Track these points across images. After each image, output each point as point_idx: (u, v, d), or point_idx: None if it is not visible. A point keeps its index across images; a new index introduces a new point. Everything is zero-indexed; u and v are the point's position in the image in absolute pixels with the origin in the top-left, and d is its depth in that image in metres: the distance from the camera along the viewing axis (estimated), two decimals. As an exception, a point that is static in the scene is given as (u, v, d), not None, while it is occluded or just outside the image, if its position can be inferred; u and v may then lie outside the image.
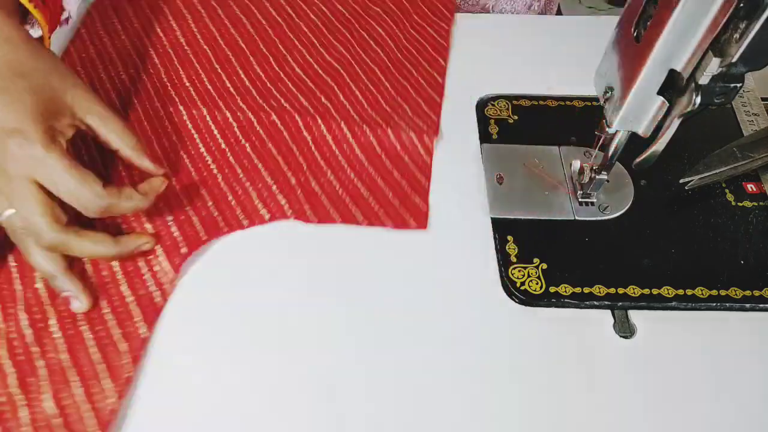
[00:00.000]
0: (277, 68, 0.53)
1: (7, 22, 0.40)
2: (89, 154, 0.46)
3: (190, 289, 0.41)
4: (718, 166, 0.46)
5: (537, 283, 0.41)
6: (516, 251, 0.43)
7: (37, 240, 0.37)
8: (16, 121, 0.37)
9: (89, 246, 0.39)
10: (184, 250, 0.42)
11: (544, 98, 0.53)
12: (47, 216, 0.37)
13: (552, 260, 0.43)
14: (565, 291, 0.41)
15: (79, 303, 0.39)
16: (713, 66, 0.32)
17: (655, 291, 0.41)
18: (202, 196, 0.45)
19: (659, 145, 0.38)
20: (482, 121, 0.51)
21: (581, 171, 0.46)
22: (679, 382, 0.38)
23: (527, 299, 0.41)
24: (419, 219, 0.44)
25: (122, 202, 0.39)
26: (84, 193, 0.37)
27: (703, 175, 0.46)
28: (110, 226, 0.43)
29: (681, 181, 0.46)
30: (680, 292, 0.41)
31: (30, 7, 0.42)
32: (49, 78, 0.40)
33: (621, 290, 0.41)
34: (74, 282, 0.39)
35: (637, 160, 0.39)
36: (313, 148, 0.48)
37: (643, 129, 0.37)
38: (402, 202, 0.45)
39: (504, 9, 0.65)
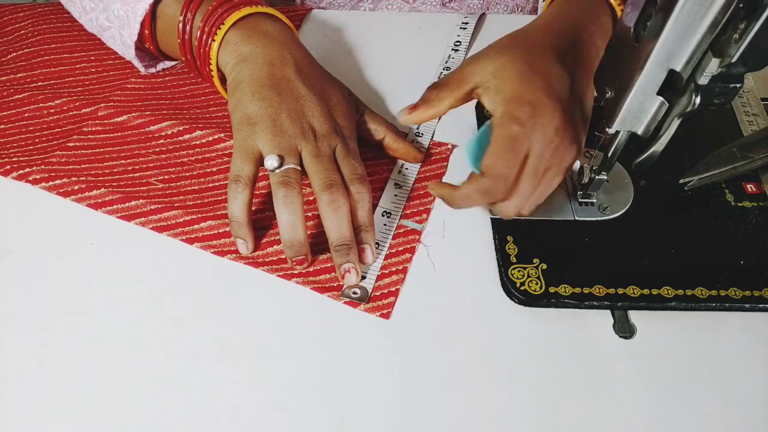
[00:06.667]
0: None
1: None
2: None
3: (186, 292, 0.41)
4: (717, 166, 0.46)
5: (537, 284, 0.41)
6: (516, 251, 0.43)
7: (325, 187, 0.41)
8: (343, 120, 0.46)
9: (345, 216, 0.42)
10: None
11: (544, 98, 0.53)
12: (336, 174, 0.43)
13: (552, 260, 0.43)
14: (565, 291, 0.41)
15: (356, 277, 0.41)
16: (713, 66, 0.32)
17: (654, 291, 0.41)
18: None
19: (659, 145, 0.38)
20: (482, 121, 0.51)
21: (581, 171, 0.46)
22: (679, 382, 0.38)
23: (527, 299, 0.41)
24: None
25: None
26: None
27: (702, 175, 0.46)
28: None
29: (681, 181, 0.46)
30: (680, 292, 0.41)
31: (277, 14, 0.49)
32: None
33: (621, 290, 0.41)
34: (355, 254, 0.42)
35: (637, 160, 0.39)
36: None
37: (643, 129, 0.37)
38: None
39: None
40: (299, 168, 0.41)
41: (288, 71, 0.45)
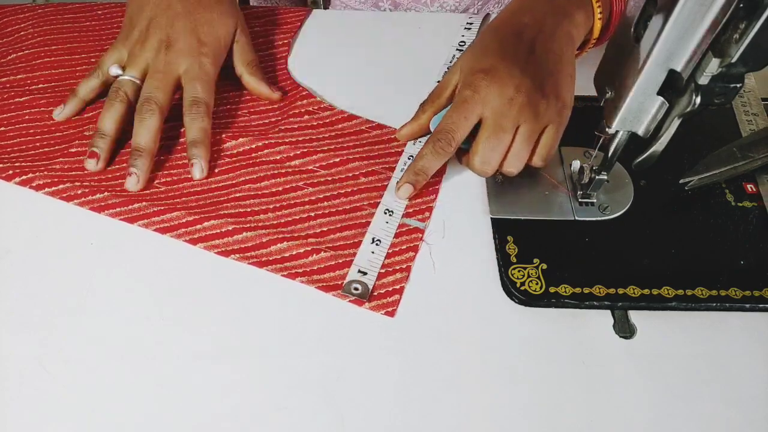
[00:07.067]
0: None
1: None
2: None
3: (186, 292, 0.41)
4: (717, 166, 0.46)
5: (537, 284, 0.41)
6: (516, 251, 0.43)
7: (140, 98, 0.47)
8: (212, 33, 0.50)
9: (150, 127, 0.46)
10: None
11: (544, 98, 0.53)
12: (167, 93, 0.48)
13: (552, 260, 0.43)
14: (565, 291, 0.41)
15: (133, 181, 0.45)
16: (713, 66, 0.32)
17: (655, 291, 0.41)
18: None
19: (659, 145, 0.38)
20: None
21: (581, 171, 0.46)
22: (679, 382, 0.38)
23: (527, 299, 0.41)
24: None
25: None
26: (200, 92, 0.48)
27: (702, 176, 0.46)
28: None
29: (681, 181, 0.46)
30: (680, 292, 0.41)
31: None
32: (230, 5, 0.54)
33: (621, 290, 0.41)
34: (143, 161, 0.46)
35: (637, 160, 0.39)
36: None
37: (643, 129, 0.37)
38: None
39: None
40: (137, 81, 0.48)
41: None
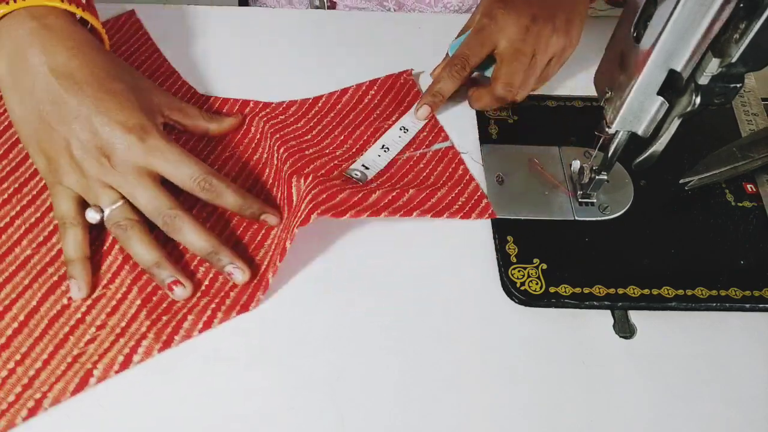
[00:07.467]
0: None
1: (79, 29, 0.43)
2: None
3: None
4: (717, 166, 0.46)
5: (537, 284, 0.41)
6: (516, 251, 0.43)
7: (157, 221, 0.40)
8: (135, 117, 0.41)
9: (198, 229, 0.40)
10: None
11: (544, 98, 0.53)
12: (166, 197, 0.40)
13: (552, 260, 0.43)
14: (565, 291, 0.41)
15: (240, 273, 0.40)
16: (713, 66, 0.32)
17: (655, 291, 0.41)
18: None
19: (659, 145, 0.38)
20: (482, 121, 0.51)
21: (581, 171, 0.46)
22: (679, 382, 0.38)
23: (527, 299, 0.41)
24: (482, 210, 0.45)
25: (220, 181, 0.42)
26: (196, 170, 0.41)
27: (702, 176, 0.46)
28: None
29: (681, 181, 0.46)
30: (680, 292, 0.41)
31: (79, 12, 0.44)
32: (135, 80, 0.45)
33: (621, 290, 0.41)
34: (227, 254, 0.40)
35: (637, 160, 0.40)
36: None
37: (643, 129, 0.37)
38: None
39: None
40: (122, 202, 0.41)
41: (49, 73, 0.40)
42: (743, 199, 0.47)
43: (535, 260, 0.43)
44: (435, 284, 0.42)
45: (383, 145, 0.48)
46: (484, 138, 0.50)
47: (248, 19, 0.59)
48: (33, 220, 0.43)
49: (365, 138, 0.49)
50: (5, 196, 0.44)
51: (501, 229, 0.44)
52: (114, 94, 0.41)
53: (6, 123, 0.47)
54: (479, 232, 0.45)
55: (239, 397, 0.37)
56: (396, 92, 0.53)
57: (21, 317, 0.38)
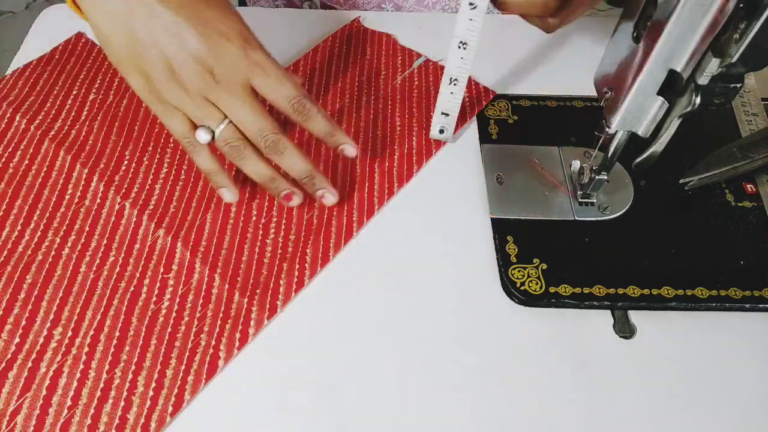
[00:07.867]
0: None
1: None
2: None
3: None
4: (717, 167, 0.46)
5: (537, 284, 0.41)
6: (516, 251, 0.43)
7: (259, 142, 0.40)
8: (238, 28, 0.39)
9: (299, 153, 0.41)
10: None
11: (544, 98, 0.53)
12: (270, 118, 0.40)
13: (552, 260, 0.43)
14: (565, 291, 0.41)
15: (332, 196, 0.43)
16: (713, 66, 0.32)
17: (655, 291, 0.41)
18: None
19: (659, 145, 0.38)
20: (482, 121, 0.51)
21: (581, 171, 0.46)
22: (679, 382, 0.38)
23: (527, 299, 0.41)
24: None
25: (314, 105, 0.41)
26: (294, 91, 0.40)
27: (702, 176, 0.46)
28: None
29: (681, 181, 0.46)
30: (680, 292, 0.41)
31: None
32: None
33: (621, 290, 0.41)
34: (322, 179, 0.43)
35: (637, 160, 0.39)
36: None
37: (643, 129, 0.37)
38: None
39: None
40: (229, 122, 0.40)
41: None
42: (743, 199, 0.47)
43: (535, 260, 0.43)
44: (435, 284, 0.42)
45: (450, 79, 0.45)
46: (484, 138, 0.50)
47: (248, 20, 0.59)
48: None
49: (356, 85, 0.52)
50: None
51: (501, 229, 0.44)
52: (214, 5, 0.39)
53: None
54: (479, 232, 0.45)
55: (238, 396, 0.37)
56: (355, 40, 0.55)
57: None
